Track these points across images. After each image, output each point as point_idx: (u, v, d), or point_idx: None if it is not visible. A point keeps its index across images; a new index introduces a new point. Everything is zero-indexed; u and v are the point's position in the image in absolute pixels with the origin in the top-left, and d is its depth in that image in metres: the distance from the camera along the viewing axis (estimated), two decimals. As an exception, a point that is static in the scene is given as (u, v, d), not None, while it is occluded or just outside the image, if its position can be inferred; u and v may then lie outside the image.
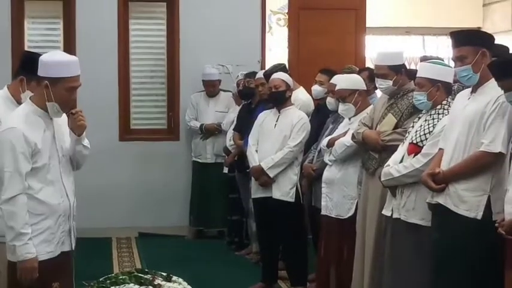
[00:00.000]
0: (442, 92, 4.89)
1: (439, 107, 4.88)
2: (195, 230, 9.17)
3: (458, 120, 4.45)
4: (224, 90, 9.05)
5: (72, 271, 4.43)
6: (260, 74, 7.65)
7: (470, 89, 4.53)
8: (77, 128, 4.25)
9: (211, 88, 9.02)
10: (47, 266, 4.10)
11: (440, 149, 4.58)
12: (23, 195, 4.01)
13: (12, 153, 4.01)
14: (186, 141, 9.26)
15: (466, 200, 4.34)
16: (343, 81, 6.04)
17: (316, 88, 7.08)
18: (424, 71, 4.98)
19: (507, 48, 5.30)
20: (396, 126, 5.31)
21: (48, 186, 4.12)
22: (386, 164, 5.04)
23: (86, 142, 4.32)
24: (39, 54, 4.30)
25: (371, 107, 5.82)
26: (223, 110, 8.94)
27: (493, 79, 4.34)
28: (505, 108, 4.25)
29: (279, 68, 7.57)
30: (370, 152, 5.44)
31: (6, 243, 4.11)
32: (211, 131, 8.90)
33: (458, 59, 4.47)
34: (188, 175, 9.17)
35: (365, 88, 5.99)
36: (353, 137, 5.59)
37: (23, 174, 4.02)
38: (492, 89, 4.33)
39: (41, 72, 4.12)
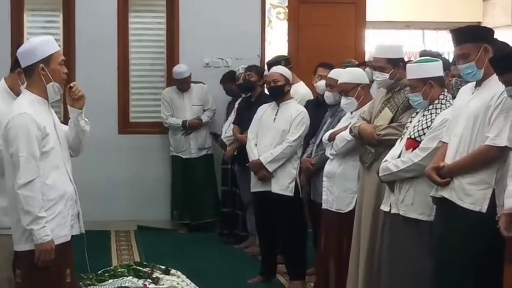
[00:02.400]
0: (435, 87, 4.87)
1: (436, 101, 4.87)
2: (183, 223, 9.16)
3: (463, 114, 4.43)
4: (195, 82, 9.05)
5: (74, 258, 4.47)
6: (267, 72, 7.61)
7: (473, 84, 4.51)
8: (78, 101, 4.34)
9: (184, 85, 9.00)
10: (62, 250, 4.16)
11: (443, 143, 4.57)
12: (38, 179, 4.07)
13: (26, 137, 4.06)
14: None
15: (471, 193, 4.33)
16: (346, 74, 6.00)
17: (322, 83, 7.01)
18: (412, 72, 4.95)
19: (507, 45, 5.28)
20: (392, 121, 5.29)
21: (55, 171, 4.19)
22: (384, 159, 5.03)
23: (85, 118, 4.40)
24: None
25: (372, 101, 5.82)
26: (199, 103, 8.98)
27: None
28: (510, 102, 4.25)
29: (283, 59, 7.58)
30: (366, 146, 5.44)
31: (14, 231, 4.17)
32: (195, 127, 8.91)
33: (461, 57, 4.45)
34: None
35: (367, 82, 5.96)
36: (350, 130, 5.58)
37: (37, 158, 4.08)
38: (496, 83, 4.32)
39: (30, 60, 4.21)
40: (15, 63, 4.46)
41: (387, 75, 5.40)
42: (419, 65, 4.99)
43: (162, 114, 9.08)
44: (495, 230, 4.15)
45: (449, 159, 4.46)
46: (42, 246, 4.07)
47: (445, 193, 4.45)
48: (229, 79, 8.76)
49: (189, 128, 8.95)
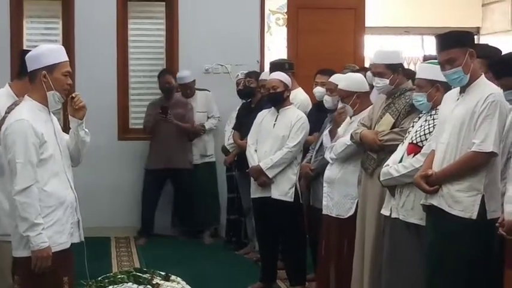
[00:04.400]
0: (441, 92, 4.86)
1: (438, 107, 4.87)
2: (185, 230, 9.15)
3: (448, 121, 4.44)
4: (199, 89, 9.05)
5: (74, 266, 4.46)
6: (263, 76, 7.64)
7: (457, 90, 4.51)
8: (78, 111, 4.34)
9: (188, 90, 9.00)
10: (59, 258, 4.16)
11: (432, 150, 4.58)
12: (35, 185, 4.07)
13: (24, 144, 4.07)
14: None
15: (460, 200, 4.33)
16: (343, 81, 6.00)
17: (319, 90, 7.01)
18: (423, 72, 4.97)
19: (499, 51, 5.30)
20: (394, 126, 5.30)
21: (54, 178, 4.19)
22: (385, 164, 5.03)
23: (86, 129, 4.40)
24: None
25: (371, 107, 5.83)
26: (203, 110, 8.95)
27: (480, 78, 4.38)
28: (495, 107, 4.26)
29: (287, 62, 7.63)
30: (368, 152, 5.44)
31: (13, 237, 4.17)
32: (198, 133, 8.89)
33: (447, 62, 4.42)
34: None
35: (364, 90, 5.92)
36: (351, 137, 5.58)
37: (34, 164, 4.08)
38: (480, 88, 4.35)
39: (34, 65, 4.23)
40: (23, 68, 4.46)
41: (387, 81, 5.41)
42: (431, 66, 4.96)
43: None
44: (486, 236, 4.18)
45: (436, 166, 4.46)
46: (38, 253, 4.07)
47: (434, 201, 4.45)
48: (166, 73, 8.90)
49: (192, 134, 8.94)
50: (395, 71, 5.42)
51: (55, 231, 4.15)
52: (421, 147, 4.81)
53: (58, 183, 4.21)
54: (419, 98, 4.93)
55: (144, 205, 9.00)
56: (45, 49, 4.27)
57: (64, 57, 4.27)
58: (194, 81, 9.01)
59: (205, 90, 9.02)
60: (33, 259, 4.08)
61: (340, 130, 5.95)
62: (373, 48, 9.22)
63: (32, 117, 4.14)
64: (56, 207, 4.17)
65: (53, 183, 4.18)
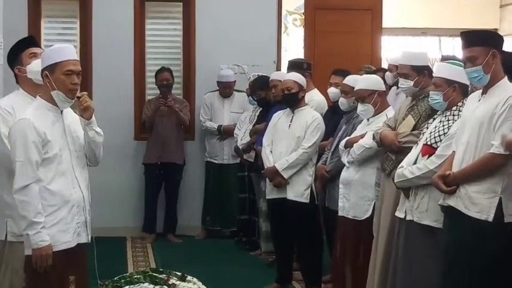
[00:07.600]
0: (458, 93, 4.86)
1: (454, 108, 4.85)
2: (205, 230, 9.17)
3: (469, 122, 4.42)
4: (238, 91, 9.05)
5: (86, 266, 4.46)
6: (273, 76, 7.62)
7: (480, 91, 4.49)
8: (85, 111, 4.30)
9: (227, 89, 9.03)
10: (64, 257, 4.15)
11: (453, 151, 4.56)
12: (35, 184, 4.07)
13: (23, 142, 4.07)
14: (201, 141, 9.27)
15: (477, 202, 4.30)
16: (363, 81, 5.98)
17: (333, 90, 7.02)
18: (441, 71, 4.95)
19: None
20: (414, 128, 5.27)
21: (59, 177, 4.18)
22: (400, 166, 5.02)
23: (98, 129, 4.37)
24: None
25: (390, 107, 5.80)
26: (239, 111, 8.91)
27: (503, 80, 4.35)
28: None
29: (306, 62, 7.64)
30: (388, 153, 5.42)
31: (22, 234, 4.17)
32: (230, 133, 8.88)
33: (469, 60, 4.41)
34: (203, 175, 9.18)
35: (384, 89, 5.94)
36: (373, 137, 5.56)
37: (34, 163, 4.07)
38: (502, 90, 4.32)
39: (41, 65, 4.25)
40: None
41: (411, 83, 5.36)
42: (449, 65, 4.94)
43: (201, 117, 9.11)
44: (502, 238, 4.15)
45: (455, 167, 4.44)
46: (38, 251, 4.07)
47: (451, 201, 4.43)
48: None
49: (224, 133, 8.95)
50: (421, 72, 5.36)
51: (59, 230, 4.15)
52: (436, 149, 4.79)
53: (63, 183, 4.19)
54: (436, 97, 4.90)
55: (145, 201, 9.03)
56: (51, 49, 4.28)
57: (66, 56, 4.22)
58: (235, 81, 9.03)
59: (244, 92, 8.97)
60: (33, 257, 4.09)
61: (357, 132, 5.93)
62: (390, 49, 9.22)
63: (36, 116, 4.14)
64: (60, 206, 4.16)
65: (58, 182, 4.17)
